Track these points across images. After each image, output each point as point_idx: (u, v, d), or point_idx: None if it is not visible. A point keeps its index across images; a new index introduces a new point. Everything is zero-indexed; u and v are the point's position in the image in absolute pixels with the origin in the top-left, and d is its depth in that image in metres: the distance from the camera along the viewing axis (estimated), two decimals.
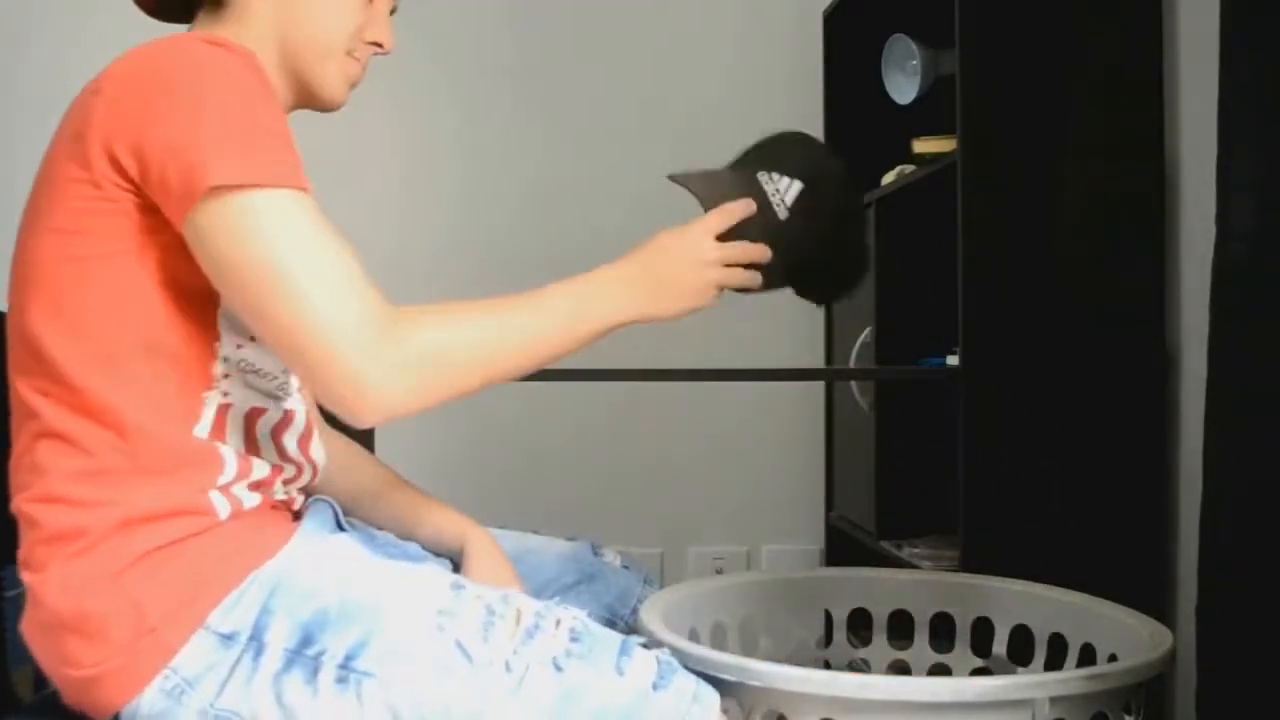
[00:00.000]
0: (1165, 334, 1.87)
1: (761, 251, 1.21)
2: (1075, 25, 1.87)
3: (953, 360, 1.97)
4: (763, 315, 2.79)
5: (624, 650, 1.04)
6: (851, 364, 2.41)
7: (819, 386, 2.75)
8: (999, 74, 1.85)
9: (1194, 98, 1.83)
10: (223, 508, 1.05)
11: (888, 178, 2.27)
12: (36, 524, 1.04)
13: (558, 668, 1.00)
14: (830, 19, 2.66)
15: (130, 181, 0.99)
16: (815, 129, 2.69)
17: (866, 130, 2.54)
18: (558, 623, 1.04)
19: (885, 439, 2.26)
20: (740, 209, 1.22)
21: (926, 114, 2.25)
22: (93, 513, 1.01)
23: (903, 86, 2.34)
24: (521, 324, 1.08)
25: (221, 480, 1.06)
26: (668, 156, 2.80)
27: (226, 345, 1.07)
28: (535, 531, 1.42)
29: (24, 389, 1.06)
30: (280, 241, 0.97)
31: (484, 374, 1.05)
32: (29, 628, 1.04)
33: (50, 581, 1.01)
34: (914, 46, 2.25)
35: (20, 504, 1.05)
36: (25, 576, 1.04)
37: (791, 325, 2.79)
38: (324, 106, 1.21)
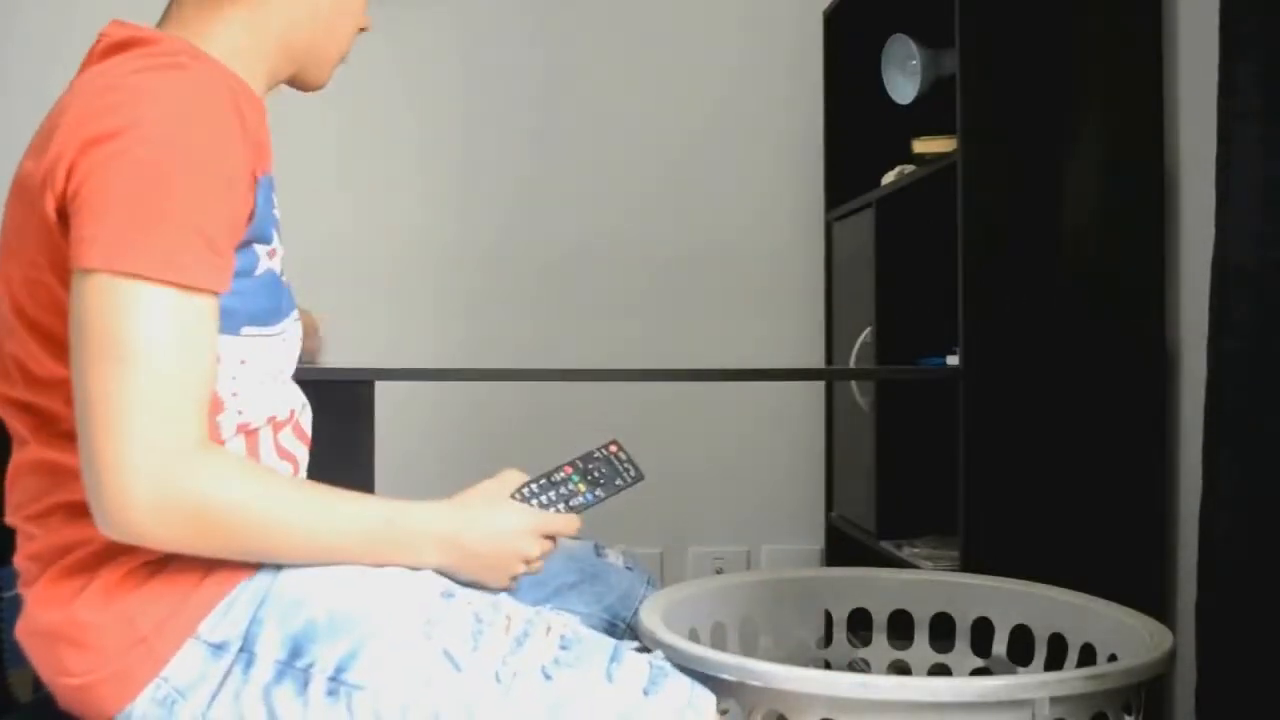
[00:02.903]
0: (1165, 334, 1.87)
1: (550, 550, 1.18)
2: (1075, 25, 1.87)
3: (953, 360, 1.97)
4: (763, 316, 2.79)
5: (614, 657, 1.03)
6: (851, 364, 2.41)
7: (819, 386, 2.75)
8: (999, 74, 1.85)
9: (1194, 98, 1.83)
10: None
11: (888, 178, 2.27)
12: (32, 537, 1.04)
13: (547, 676, 1.00)
14: (830, 19, 2.66)
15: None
16: (815, 129, 2.69)
17: (866, 130, 2.54)
18: (548, 630, 1.04)
19: (885, 439, 2.26)
20: (578, 528, 1.19)
21: (926, 114, 2.25)
22: (86, 529, 1.00)
23: (903, 86, 2.34)
24: (315, 525, 1.02)
25: None
26: (669, 157, 2.83)
27: (228, 375, 1.05)
28: None
29: (13, 412, 1.06)
30: (121, 332, 0.92)
31: (256, 548, 1.00)
32: (23, 634, 1.04)
33: (43, 593, 1.02)
34: (914, 46, 2.25)
35: (16, 520, 1.06)
36: (19, 587, 1.05)
37: (792, 325, 2.79)
38: (309, 91, 1.24)
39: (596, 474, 1.25)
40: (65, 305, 0.97)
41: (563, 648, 1.02)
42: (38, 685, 1.63)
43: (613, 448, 1.28)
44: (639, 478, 1.25)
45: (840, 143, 2.63)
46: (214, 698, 0.99)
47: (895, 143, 2.29)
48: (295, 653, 0.99)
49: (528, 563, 1.14)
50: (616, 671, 1.02)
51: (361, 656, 0.98)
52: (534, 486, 1.20)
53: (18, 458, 1.06)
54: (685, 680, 1.05)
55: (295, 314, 1.18)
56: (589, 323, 2.74)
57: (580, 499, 1.22)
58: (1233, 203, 1.43)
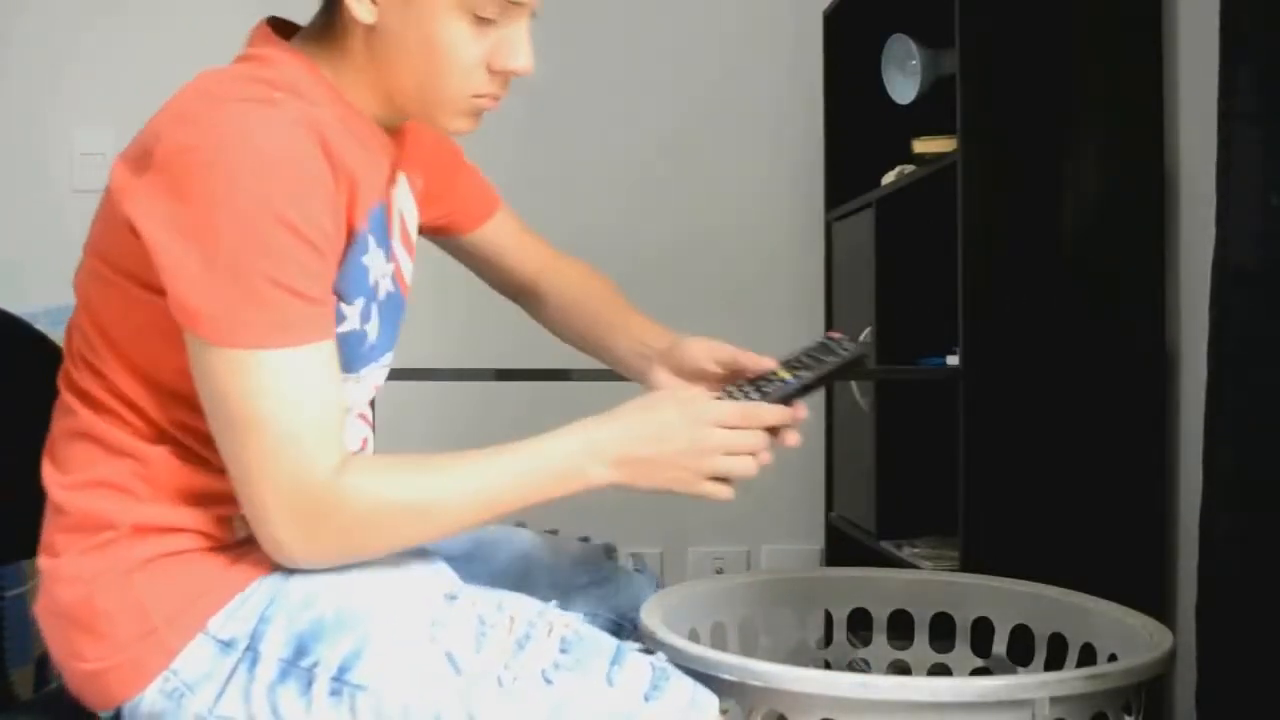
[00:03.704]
0: (1165, 334, 1.87)
1: (764, 443, 1.13)
2: (1075, 25, 1.87)
3: (953, 360, 1.97)
4: (763, 315, 2.79)
5: (616, 659, 1.02)
6: None
7: None
8: (999, 74, 1.85)
9: (1194, 98, 1.83)
10: (241, 529, 1.06)
11: (888, 178, 2.27)
12: (62, 511, 1.06)
13: (547, 680, 0.99)
14: (830, 19, 2.66)
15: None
16: (815, 129, 2.69)
17: (866, 130, 2.54)
18: (550, 631, 1.03)
19: (885, 439, 2.26)
20: (775, 418, 1.14)
21: (926, 114, 2.25)
22: (114, 513, 1.03)
23: (903, 86, 2.34)
24: (466, 492, 1.04)
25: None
26: (668, 156, 2.83)
27: None
28: (553, 531, 1.42)
29: (71, 388, 1.08)
30: (244, 400, 0.96)
31: (419, 536, 1.05)
32: (42, 612, 1.06)
33: (63, 570, 1.04)
34: (914, 46, 2.25)
35: (51, 487, 1.07)
36: (42, 561, 1.07)
37: (791, 325, 2.79)
38: (448, 133, 1.18)
39: (804, 359, 1.14)
40: (133, 310, 1.02)
41: (563, 650, 1.02)
42: (39, 684, 1.63)
43: (833, 334, 1.17)
44: (859, 351, 1.13)
45: (840, 143, 2.63)
46: (220, 694, 1.00)
47: (895, 143, 2.29)
48: (300, 652, 1.00)
49: (710, 454, 1.08)
50: (617, 675, 1.01)
51: (365, 657, 0.99)
52: (729, 388, 1.11)
53: (65, 424, 1.08)
54: (688, 682, 1.05)
55: (387, 357, 1.19)
56: None
57: (777, 384, 1.11)
58: (1233, 203, 1.43)
